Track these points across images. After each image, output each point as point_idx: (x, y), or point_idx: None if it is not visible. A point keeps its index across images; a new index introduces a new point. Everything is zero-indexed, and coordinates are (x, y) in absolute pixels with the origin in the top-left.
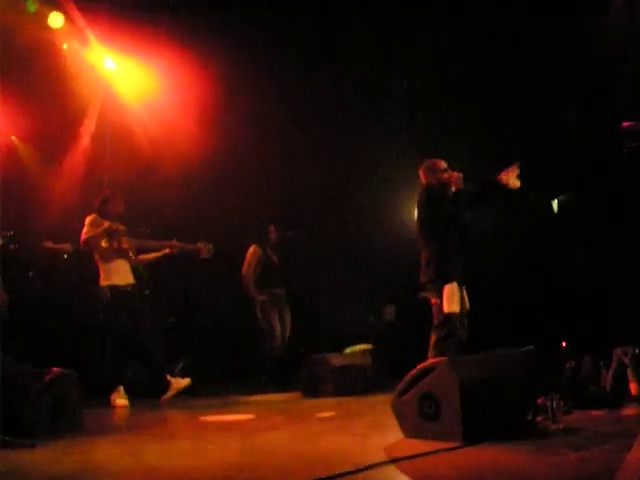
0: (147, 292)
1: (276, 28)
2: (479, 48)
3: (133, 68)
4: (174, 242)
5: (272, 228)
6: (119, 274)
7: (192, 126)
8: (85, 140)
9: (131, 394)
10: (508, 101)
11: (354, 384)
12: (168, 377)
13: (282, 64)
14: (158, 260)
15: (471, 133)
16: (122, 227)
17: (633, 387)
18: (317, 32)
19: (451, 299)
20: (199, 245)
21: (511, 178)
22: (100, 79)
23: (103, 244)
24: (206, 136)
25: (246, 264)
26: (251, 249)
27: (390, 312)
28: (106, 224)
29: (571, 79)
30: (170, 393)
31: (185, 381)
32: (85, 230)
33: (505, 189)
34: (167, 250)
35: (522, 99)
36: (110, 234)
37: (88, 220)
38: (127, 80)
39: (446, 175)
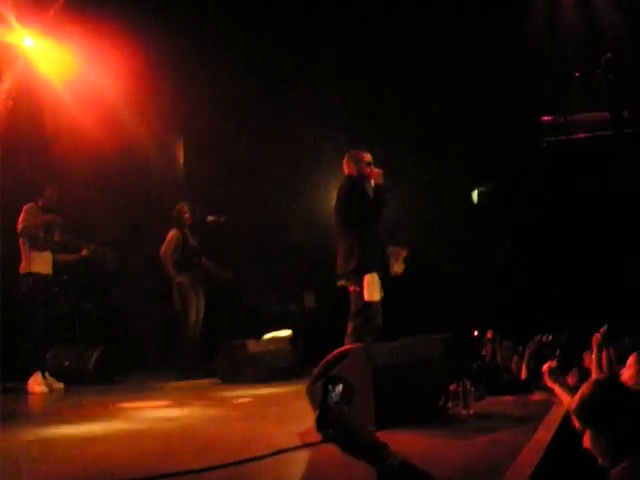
0: (65, 277)
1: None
2: (404, 46)
3: (52, 47)
4: (91, 245)
5: (185, 208)
6: (43, 264)
7: (111, 110)
8: None
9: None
10: (430, 96)
11: (272, 370)
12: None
13: (210, 46)
14: (74, 261)
15: (392, 127)
16: (60, 220)
17: (523, 372)
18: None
19: (372, 288)
20: (107, 254)
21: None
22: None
23: (40, 234)
24: (125, 120)
25: (164, 245)
26: (171, 231)
27: (310, 299)
28: (46, 216)
29: (492, 74)
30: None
31: (58, 385)
32: (23, 218)
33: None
34: (84, 252)
35: (444, 93)
36: (48, 225)
37: (26, 208)
38: (46, 58)
39: (368, 169)
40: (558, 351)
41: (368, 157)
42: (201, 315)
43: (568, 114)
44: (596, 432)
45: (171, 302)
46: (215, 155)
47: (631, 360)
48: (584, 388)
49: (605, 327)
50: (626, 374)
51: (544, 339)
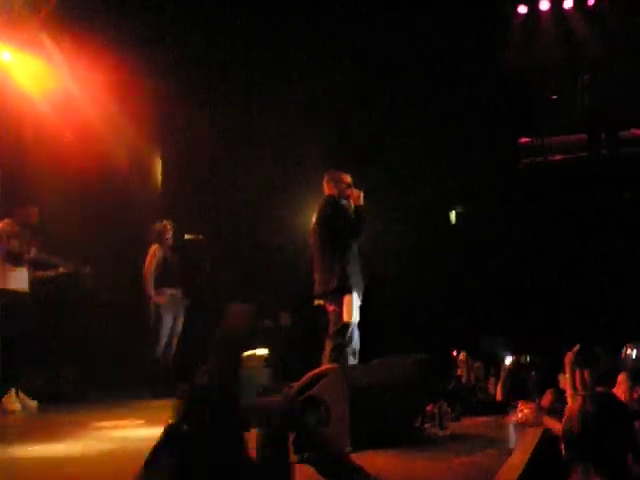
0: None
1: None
2: (382, 67)
3: (30, 61)
4: (69, 262)
5: (168, 227)
6: (18, 280)
7: (89, 125)
8: None
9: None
10: (407, 118)
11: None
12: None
13: (190, 61)
14: (50, 279)
15: (368, 148)
16: (33, 239)
17: (499, 393)
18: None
19: (350, 309)
20: (85, 270)
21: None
22: None
23: (15, 250)
24: (104, 135)
25: (147, 262)
26: (152, 248)
27: (286, 317)
28: (19, 232)
29: (470, 96)
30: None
31: (31, 403)
32: None
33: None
34: (61, 269)
35: (421, 115)
36: (21, 243)
37: (1, 224)
38: (24, 73)
39: (348, 191)
40: (533, 372)
41: (348, 178)
42: (177, 333)
43: (545, 136)
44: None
45: (146, 320)
46: (193, 172)
47: (621, 377)
48: (575, 406)
49: (578, 346)
50: (617, 391)
51: (521, 360)
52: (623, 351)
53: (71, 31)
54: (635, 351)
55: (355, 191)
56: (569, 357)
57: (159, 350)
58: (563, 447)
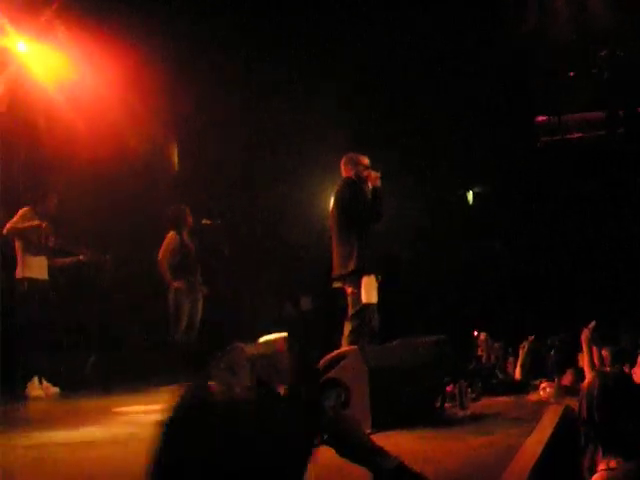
0: (61, 282)
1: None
2: (398, 50)
3: (45, 50)
4: (88, 250)
5: (188, 212)
6: (38, 268)
7: (104, 113)
8: None
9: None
10: (425, 99)
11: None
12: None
13: (204, 48)
14: (71, 265)
15: (388, 131)
16: (49, 227)
17: (517, 372)
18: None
19: (369, 290)
20: (105, 259)
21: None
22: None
23: (33, 239)
24: (119, 122)
25: (163, 249)
26: (169, 234)
27: (307, 301)
28: (36, 222)
29: (487, 75)
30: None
31: (53, 390)
32: (14, 220)
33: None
34: (81, 257)
35: (439, 95)
36: (38, 231)
37: (20, 212)
38: (39, 63)
39: (366, 172)
40: (553, 351)
41: (365, 160)
42: (197, 319)
43: (563, 114)
44: (595, 424)
45: (166, 306)
46: (210, 158)
47: None
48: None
49: (593, 323)
50: (637, 371)
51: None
52: None
53: (85, 19)
54: None
55: (373, 172)
56: (585, 334)
57: (179, 335)
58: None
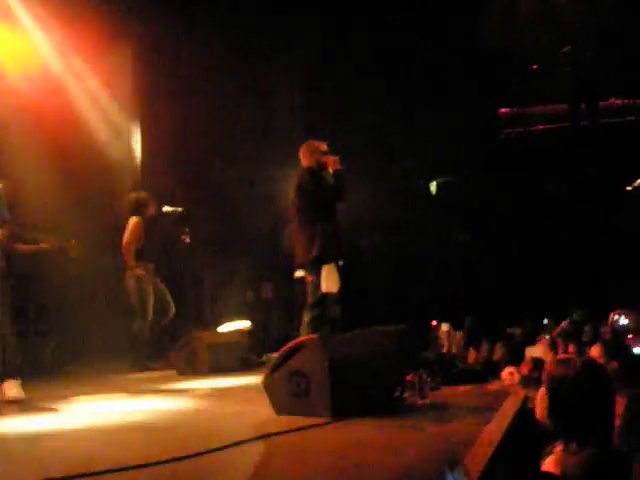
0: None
1: None
2: (362, 38)
3: (3, 32)
4: (48, 238)
5: (150, 199)
6: None
7: (66, 96)
8: None
9: None
10: (388, 89)
11: (229, 361)
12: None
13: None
14: (33, 253)
15: (350, 120)
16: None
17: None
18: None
19: (330, 279)
20: (70, 243)
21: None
22: None
23: None
24: (81, 106)
25: (128, 233)
26: (133, 219)
27: (268, 289)
28: None
29: (451, 67)
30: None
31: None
32: None
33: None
34: (43, 245)
35: (402, 85)
36: None
37: None
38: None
39: (325, 158)
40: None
41: (323, 147)
42: (169, 298)
43: (526, 106)
44: (561, 412)
45: (129, 291)
46: (172, 144)
47: (596, 352)
48: (558, 366)
49: (568, 320)
50: (594, 352)
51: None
52: (609, 319)
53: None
54: (622, 317)
55: (331, 157)
56: (558, 330)
57: (146, 323)
58: (546, 416)
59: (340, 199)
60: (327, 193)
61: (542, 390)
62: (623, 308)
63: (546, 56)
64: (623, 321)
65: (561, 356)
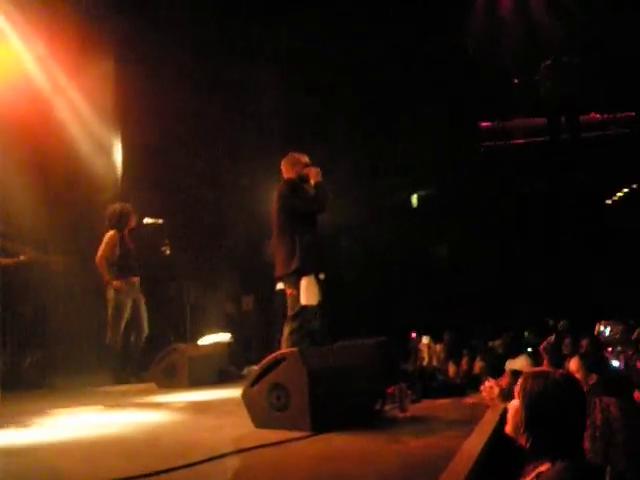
0: None
1: None
2: (345, 50)
3: None
4: (29, 251)
5: (131, 210)
6: None
7: (46, 105)
8: None
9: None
10: (370, 102)
11: (209, 375)
12: None
13: (151, 41)
14: (15, 265)
15: (332, 132)
16: None
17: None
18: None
19: (309, 291)
20: (51, 257)
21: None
22: None
23: None
24: (62, 116)
25: (102, 247)
26: (109, 233)
27: (249, 301)
28: None
29: (432, 80)
30: None
31: None
32: None
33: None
34: (22, 257)
35: (384, 98)
36: None
37: None
38: None
39: (306, 170)
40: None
41: (305, 158)
42: (143, 321)
43: (506, 120)
44: (537, 426)
45: (106, 305)
46: (154, 156)
47: (574, 365)
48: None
49: (554, 336)
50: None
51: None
52: (595, 329)
53: (25, 9)
54: (608, 328)
55: (313, 169)
56: (545, 345)
57: (118, 336)
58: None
59: (320, 211)
60: (307, 205)
61: (514, 404)
62: (608, 319)
63: (526, 70)
64: (608, 332)
65: (535, 370)
